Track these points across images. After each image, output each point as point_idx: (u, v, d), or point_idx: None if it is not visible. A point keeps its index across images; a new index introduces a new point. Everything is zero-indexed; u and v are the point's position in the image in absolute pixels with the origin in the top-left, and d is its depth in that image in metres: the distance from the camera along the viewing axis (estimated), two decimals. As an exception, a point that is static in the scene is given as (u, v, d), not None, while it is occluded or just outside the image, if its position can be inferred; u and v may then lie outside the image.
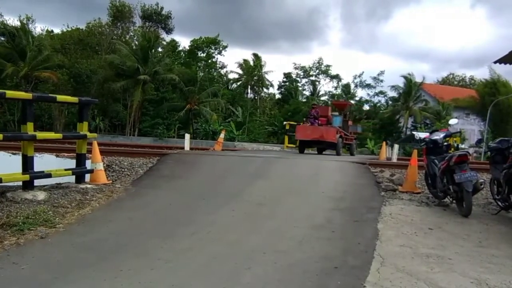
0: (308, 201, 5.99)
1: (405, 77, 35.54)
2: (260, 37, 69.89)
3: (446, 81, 51.98)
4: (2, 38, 30.48)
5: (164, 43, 38.58)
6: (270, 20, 70.95)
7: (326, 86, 51.66)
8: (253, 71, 42.52)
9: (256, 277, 3.33)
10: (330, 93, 46.72)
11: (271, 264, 3.60)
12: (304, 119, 15.69)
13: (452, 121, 7.16)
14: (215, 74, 43.75)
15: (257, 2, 70.38)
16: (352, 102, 45.68)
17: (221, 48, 44.19)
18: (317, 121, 14.47)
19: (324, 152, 15.59)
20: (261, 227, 4.71)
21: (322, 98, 46.09)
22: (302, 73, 47.33)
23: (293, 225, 4.81)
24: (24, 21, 31.66)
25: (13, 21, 35.00)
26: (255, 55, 43.34)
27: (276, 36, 71.92)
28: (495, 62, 8.62)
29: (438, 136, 6.17)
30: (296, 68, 47.56)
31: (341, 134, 14.08)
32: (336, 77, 47.02)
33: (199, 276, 3.34)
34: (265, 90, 46.38)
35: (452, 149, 6.14)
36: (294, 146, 17.34)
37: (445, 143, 6.11)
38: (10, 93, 5.92)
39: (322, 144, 14.11)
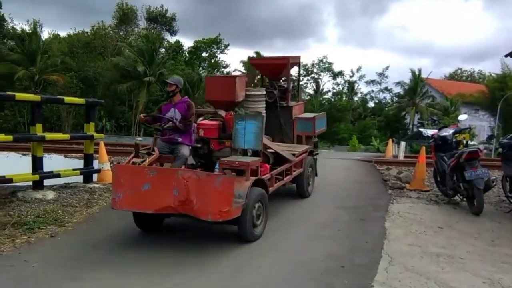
0: (313, 199, 5.96)
1: (412, 72, 35.04)
2: (255, 36, 68.14)
3: (454, 77, 51.23)
4: (12, 43, 30.88)
5: (171, 42, 38.66)
6: (264, 18, 69.47)
7: (329, 84, 50.68)
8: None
9: (260, 276, 3.31)
10: (334, 89, 46.06)
11: (276, 263, 3.58)
12: (158, 125, 5.04)
13: (462, 117, 7.03)
14: (218, 74, 43.68)
15: (250, 0, 69.49)
16: (355, 100, 44.72)
17: (223, 47, 44.20)
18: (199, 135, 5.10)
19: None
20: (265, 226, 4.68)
21: (326, 96, 44.14)
22: (304, 72, 46.88)
23: (298, 223, 4.78)
24: (32, 26, 32.01)
25: (19, 25, 35.28)
26: (258, 54, 43.16)
27: (271, 34, 70.50)
28: (506, 56, 8.42)
29: (447, 132, 6.08)
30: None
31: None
32: (340, 74, 46.52)
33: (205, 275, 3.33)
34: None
35: (461, 145, 6.04)
36: None
37: (454, 140, 6.02)
38: (19, 96, 6.01)
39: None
